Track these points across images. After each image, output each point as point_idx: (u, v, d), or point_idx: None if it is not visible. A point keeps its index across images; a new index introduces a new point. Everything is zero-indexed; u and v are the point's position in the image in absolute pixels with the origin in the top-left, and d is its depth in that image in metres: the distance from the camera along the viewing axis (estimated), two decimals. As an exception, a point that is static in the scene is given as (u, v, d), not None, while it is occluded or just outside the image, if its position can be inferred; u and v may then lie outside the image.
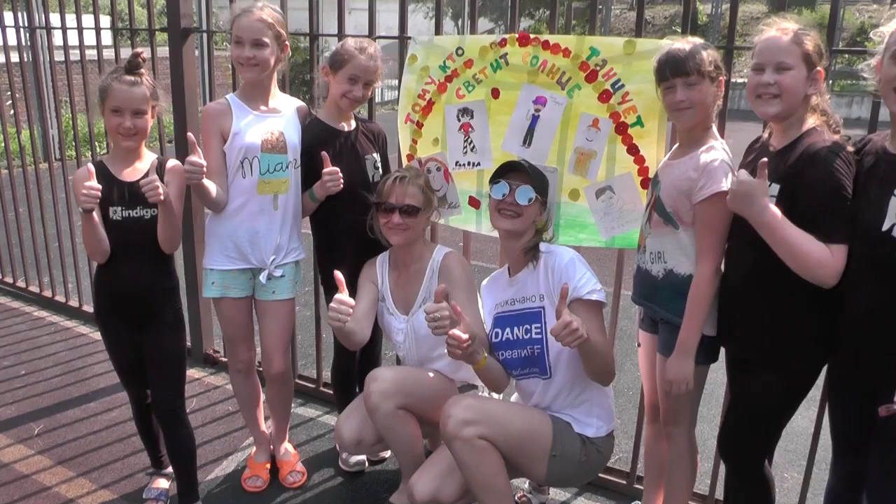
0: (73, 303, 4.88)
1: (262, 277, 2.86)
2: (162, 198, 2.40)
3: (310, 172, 2.88)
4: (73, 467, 3.19)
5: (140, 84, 2.48)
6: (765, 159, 2.05)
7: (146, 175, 2.49)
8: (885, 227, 1.89)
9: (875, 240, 1.92)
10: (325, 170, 2.80)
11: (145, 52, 2.55)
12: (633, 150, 2.62)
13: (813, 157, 1.99)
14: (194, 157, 2.53)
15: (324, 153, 2.80)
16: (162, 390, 2.71)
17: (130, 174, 2.55)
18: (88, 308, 4.74)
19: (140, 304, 2.60)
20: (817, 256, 1.94)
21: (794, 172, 2.02)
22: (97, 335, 4.40)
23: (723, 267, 2.29)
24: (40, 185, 4.86)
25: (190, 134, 2.63)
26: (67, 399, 3.76)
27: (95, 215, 2.41)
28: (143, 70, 2.51)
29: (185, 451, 2.82)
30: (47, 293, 5.03)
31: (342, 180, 2.81)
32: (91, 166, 2.44)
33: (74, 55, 4.40)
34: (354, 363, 3.21)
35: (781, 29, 2.08)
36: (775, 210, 1.99)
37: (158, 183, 2.39)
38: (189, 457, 2.84)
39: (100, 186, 2.36)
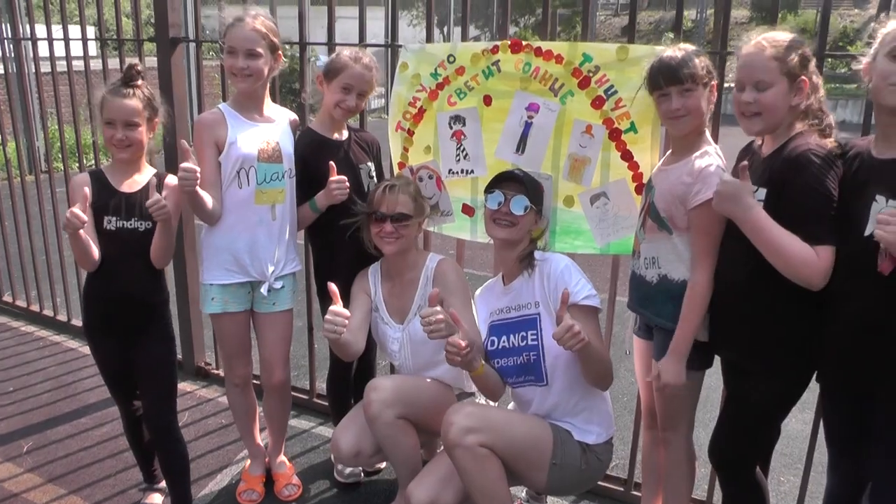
0: (62, 317, 4.83)
1: (264, 289, 2.84)
2: (166, 217, 2.41)
3: (303, 183, 2.87)
4: (63, 485, 3.14)
5: (133, 96, 2.47)
6: (744, 163, 2.06)
7: (144, 188, 2.49)
8: (867, 232, 1.89)
9: (858, 243, 1.92)
10: (333, 178, 2.78)
11: (140, 65, 2.54)
12: (627, 156, 2.62)
13: (795, 160, 1.99)
14: (188, 163, 2.51)
15: (331, 163, 2.79)
16: (153, 403, 2.69)
17: (129, 186, 2.54)
18: (77, 322, 4.69)
19: (130, 312, 2.58)
20: (802, 257, 1.94)
21: (779, 176, 2.03)
22: (87, 350, 4.34)
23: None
24: (27, 197, 4.81)
25: (183, 141, 2.61)
26: (57, 415, 3.71)
27: (82, 231, 2.39)
28: (139, 82, 2.51)
29: (178, 465, 2.79)
30: (35, 308, 4.98)
31: (349, 189, 2.81)
32: (87, 190, 2.41)
33: (61, 66, 4.37)
34: (351, 374, 3.18)
35: (759, 44, 2.07)
36: (761, 210, 1.99)
37: (164, 202, 2.39)
38: (182, 471, 2.81)
39: (86, 219, 2.35)
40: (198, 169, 2.52)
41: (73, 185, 2.50)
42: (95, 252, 2.48)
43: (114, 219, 2.49)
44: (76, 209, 2.33)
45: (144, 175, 2.59)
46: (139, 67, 2.52)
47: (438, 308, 2.32)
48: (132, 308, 2.58)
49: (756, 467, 2.32)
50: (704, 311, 2.24)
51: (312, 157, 2.85)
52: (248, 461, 3.20)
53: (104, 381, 2.78)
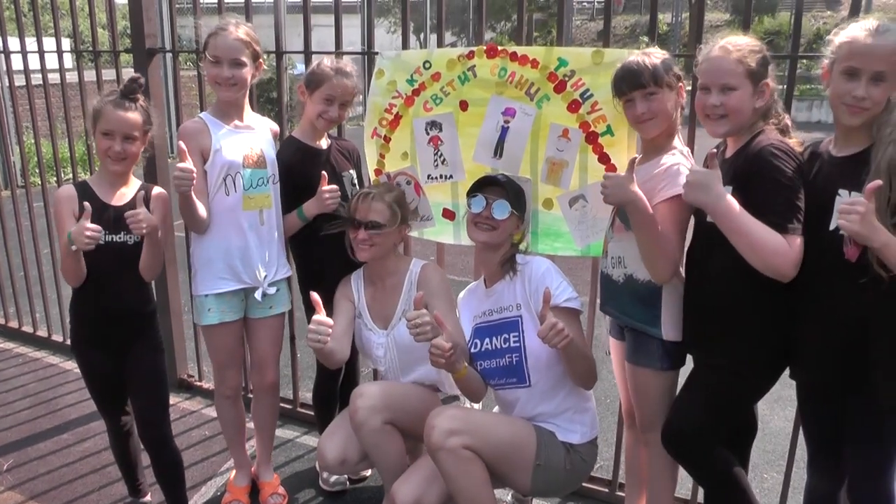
0: (42, 333, 4.77)
1: (258, 295, 2.84)
2: (145, 231, 2.39)
3: (289, 192, 2.88)
4: (46, 501, 3.10)
5: (134, 109, 2.47)
6: (713, 150, 2.10)
7: (133, 201, 2.47)
8: (832, 227, 1.93)
9: (825, 240, 1.96)
10: (325, 187, 2.80)
11: (142, 77, 2.53)
12: (604, 158, 2.64)
13: (759, 154, 2.03)
14: (184, 163, 2.50)
15: (323, 172, 2.81)
16: (148, 412, 2.68)
17: (117, 199, 2.53)
18: (58, 338, 4.65)
19: (121, 327, 2.57)
20: (773, 246, 1.96)
21: (743, 171, 2.06)
22: (68, 365, 4.33)
23: (683, 272, 2.32)
24: (3, 213, 4.76)
25: (181, 142, 2.61)
26: (38, 432, 3.66)
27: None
28: (139, 95, 2.50)
29: (174, 473, 2.78)
30: (13, 324, 4.92)
31: (340, 197, 2.83)
32: (87, 205, 2.37)
33: (36, 79, 4.33)
34: (338, 382, 3.18)
35: (724, 48, 2.10)
36: (731, 199, 2.01)
37: (143, 215, 2.37)
38: (179, 478, 2.80)
39: (100, 230, 2.33)
40: (194, 169, 2.52)
41: (59, 198, 2.47)
42: (85, 268, 2.46)
43: (103, 233, 2.45)
44: (90, 224, 2.30)
45: (132, 188, 2.57)
46: (141, 80, 2.51)
47: (424, 311, 2.33)
48: (124, 320, 2.57)
49: (717, 448, 2.29)
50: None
51: (299, 165, 2.86)
52: (233, 472, 3.18)
53: (92, 396, 2.75)
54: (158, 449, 2.72)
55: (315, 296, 2.43)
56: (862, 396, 2.01)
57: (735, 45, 2.10)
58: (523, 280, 2.52)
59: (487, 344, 2.58)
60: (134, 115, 2.46)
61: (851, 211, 1.78)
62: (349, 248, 2.76)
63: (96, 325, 2.58)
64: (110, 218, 2.48)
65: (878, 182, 1.79)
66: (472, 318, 2.67)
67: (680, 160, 2.26)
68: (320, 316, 2.41)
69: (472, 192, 2.56)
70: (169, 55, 3.87)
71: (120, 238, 2.49)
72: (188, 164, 2.53)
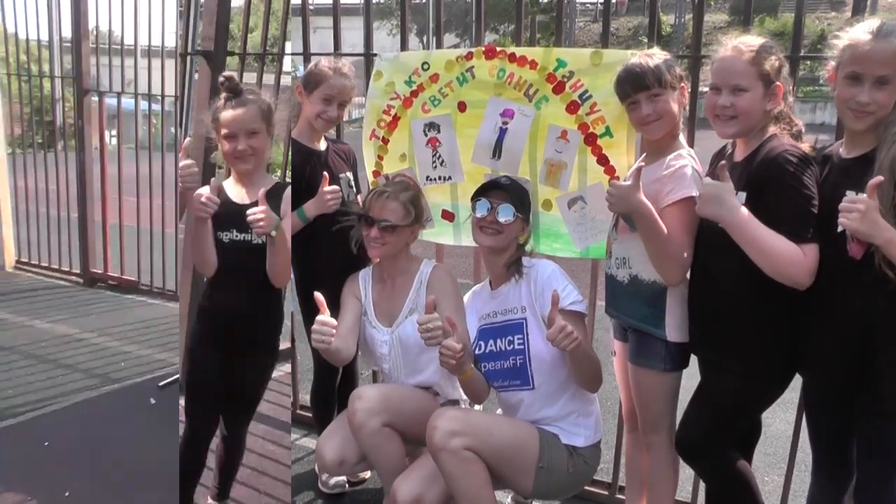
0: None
1: None
2: (264, 230, 2.30)
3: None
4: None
5: (246, 104, 2.42)
6: (723, 162, 2.08)
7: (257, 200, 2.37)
8: (840, 228, 1.90)
9: (834, 242, 1.94)
10: (327, 188, 2.80)
11: (234, 76, 2.51)
12: (603, 160, 2.63)
13: (774, 161, 2.01)
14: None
15: (325, 173, 2.81)
16: (243, 420, 2.77)
17: (245, 197, 2.49)
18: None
19: (241, 330, 2.55)
20: (789, 255, 1.95)
21: (757, 178, 2.04)
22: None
23: (688, 275, 2.30)
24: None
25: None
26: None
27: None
28: (241, 89, 2.46)
29: (234, 470, 2.87)
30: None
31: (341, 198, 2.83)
32: (213, 183, 2.37)
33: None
34: (336, 384, 3.17)
35: (737, 48, 2.08)
36: (745, 210, 1.99)
37: (265, 214, 2.27)
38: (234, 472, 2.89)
39: (218, 200, 2.32)
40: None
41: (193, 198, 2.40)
42: (214, 256, 2.45)
43: (233, 231, 2.45)
44: (209, 194, 2.28)
45: (263, 184, 2.48)
46: (233, 77, 2.48)
47: (436, 315, 2.33)
48: (245, 322, 2.55)
49: (726, 453, 2.29)
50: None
51: (297, 166, 2.87)
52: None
53: (187, 398, 2.69)
54: (236, 450, 2.81)
55: (319, 296, 2.42)
56: (871, 396, 2.00)
57: (748, 45, 2.08)
58: (529, 283, 2.53)
59: (492, 346, 2.58)
60: (249, 110, 2.42)
61: (852, 209, 1.78)
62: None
63: (217, 323, 2.58)
64: (238, 217, 2.39)
65: (880, 178, 1.78)
66: (478, 320, 2.68)
67: (687, 162, 2.24)
68: (324, 316, 2.40)
69: (476, 197, 2.57)
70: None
71: (244, 238, 2.46)
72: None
